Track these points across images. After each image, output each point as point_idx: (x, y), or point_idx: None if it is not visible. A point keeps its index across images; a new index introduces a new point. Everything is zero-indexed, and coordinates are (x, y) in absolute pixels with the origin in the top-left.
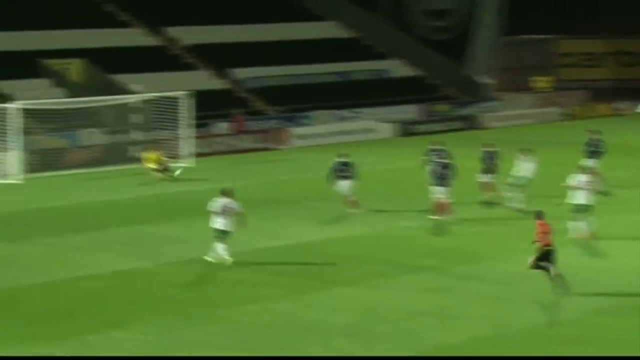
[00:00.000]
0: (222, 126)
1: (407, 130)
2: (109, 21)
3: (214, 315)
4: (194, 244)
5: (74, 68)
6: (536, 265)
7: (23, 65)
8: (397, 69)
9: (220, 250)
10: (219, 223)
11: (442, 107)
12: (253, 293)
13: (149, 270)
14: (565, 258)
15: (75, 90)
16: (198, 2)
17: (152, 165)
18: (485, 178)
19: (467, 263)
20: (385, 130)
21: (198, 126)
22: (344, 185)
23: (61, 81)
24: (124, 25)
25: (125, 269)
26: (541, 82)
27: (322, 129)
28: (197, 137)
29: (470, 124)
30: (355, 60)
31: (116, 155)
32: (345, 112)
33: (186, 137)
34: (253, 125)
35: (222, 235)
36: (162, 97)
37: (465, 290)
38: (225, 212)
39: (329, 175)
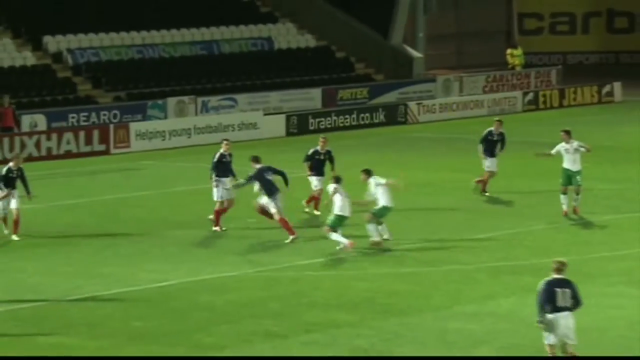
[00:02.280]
0: (32, 119)
1: (304, 125)
2: None
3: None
4: None
5: None
6: None
7: None
8: (290, 37)
9: None
10: None
11: (354, 92)
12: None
13: None
14: None
15: None
16: None
17: None
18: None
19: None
20: (272, 125)
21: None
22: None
23: None
24: None
25: None
26: (514, 56)
27: (178, 124)
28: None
29: (395, 117)
30: (228, 25)
31: None
32: (213, 100)
33: None
34: (77, 118)
35: None
36: None
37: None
38: None
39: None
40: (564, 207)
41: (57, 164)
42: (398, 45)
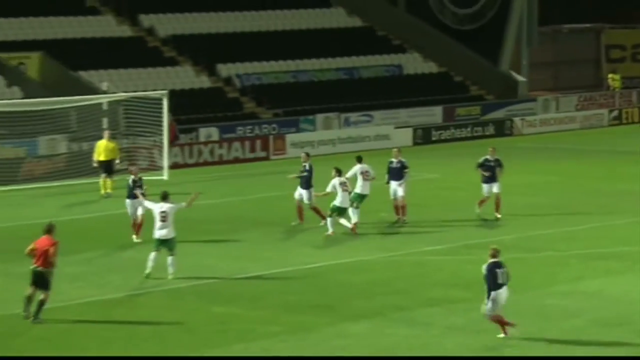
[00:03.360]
0: (207, 132)
1: (428, 136)
2: (75, 8)
3: (202, 355)
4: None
5: (32, 63)
6: None
7: None
8: (416, 64)
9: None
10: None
11: (469, 110)
12: (248, 331)
13: (124, 303)
14: None
15: (33, 89)
16: None
17: (100, 157)
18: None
19: None
20: (401, 136)
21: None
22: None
23: (16, 79)
24: (91, 12)
25: (94, 300)
26: (614, 80)
27: (326, 135)
28: (176, 146)
29: (503, 130)
30: (366, 54)
31: (81, 166)
32: (353, 115)
33: (164, 144)
34: (244, 131)
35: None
36: (137, 97)
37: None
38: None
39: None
40: None
41: (227, 168)
42: (506, 71)
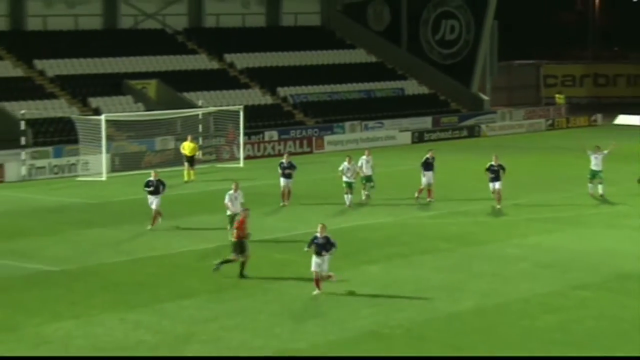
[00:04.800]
0: (270, 134)
1: (421, 137)
2: (180, 49)
3: (263, 287)
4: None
5: (151, 87)
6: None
7: (110, 85)
8: (413, 87)
9: None
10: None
11: (450, 119)
12: (297, 271)
13: (215, 251)
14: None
15: (151, 105)
16: (251, 33)
17: (186, 153)
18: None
19: (472, 245)
20: (403, 137)
21: (250, 134)
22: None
23: (140, 98)
24: (191, 52)
25: (196, 249)
26: (560, 98)
27: (351, 136)
28: (249, 143)
29: (473, 132)
30: (379, 81)
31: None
32: (370, 123)
33: (240, 142)
34: (295, 133)
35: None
36: (221, 110)
37: (469, 268)
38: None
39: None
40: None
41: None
42: (475, 93)
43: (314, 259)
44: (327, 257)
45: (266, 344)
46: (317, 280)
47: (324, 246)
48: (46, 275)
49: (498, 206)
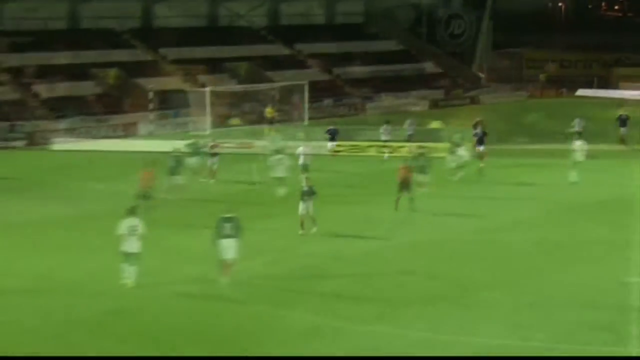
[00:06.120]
0: (327, 102)
1: (436, 104)
2: (263, 40)
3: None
4: None
5: (243, 68)
6: None
7: (213, 65)
8: (430, 68)
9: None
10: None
11: (457, 91)
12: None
13: None
14: None
15: (244, 81)
16: (314, 29)
17: (269, 116)
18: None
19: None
20: (423, 104)
21: (312, 101)
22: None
23: (235, 76)
24: (270, 42)
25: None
26: (543, 75)
27: (386, 103)
28: (311, 108)
29: (474, 101)
30: (405, 63)
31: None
32: (399, 94)
33: (305, 108)
34: (345, 101)
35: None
36: (291, 84)
37: None
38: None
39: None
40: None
41: (337, 120)
42: (475, 72)
43: (301, 204)
44: (310, 202)
45: None
46: (302, 222)
47: (308, 193)
48: None
49: (482, 164)
